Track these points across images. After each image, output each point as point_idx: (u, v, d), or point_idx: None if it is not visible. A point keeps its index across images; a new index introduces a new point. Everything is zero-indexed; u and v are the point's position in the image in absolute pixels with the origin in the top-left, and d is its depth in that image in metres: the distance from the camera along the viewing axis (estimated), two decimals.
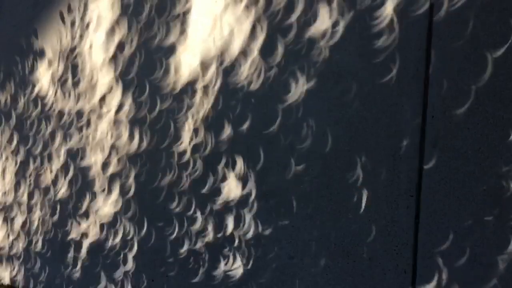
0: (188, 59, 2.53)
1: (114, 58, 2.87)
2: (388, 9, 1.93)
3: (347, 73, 2.03)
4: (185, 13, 2.56)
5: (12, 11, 3.56)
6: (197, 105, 2.49)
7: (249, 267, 2.31)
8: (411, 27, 1.89)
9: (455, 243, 1.78)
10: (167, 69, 2.62)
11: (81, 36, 3.05)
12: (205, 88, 2.46)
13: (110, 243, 2.90)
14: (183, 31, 2.56)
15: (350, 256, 2.03)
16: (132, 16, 2.77)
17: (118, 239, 2.85)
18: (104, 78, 2.92)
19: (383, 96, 1.94)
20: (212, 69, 2.43)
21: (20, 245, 3.50)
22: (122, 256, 2.83)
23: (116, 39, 2.86)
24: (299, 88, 2.16)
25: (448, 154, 1.80)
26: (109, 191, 2.90)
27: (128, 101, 2.79)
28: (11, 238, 3.59)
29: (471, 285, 1.76)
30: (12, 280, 3.56)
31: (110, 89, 2.88)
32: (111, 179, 2.89)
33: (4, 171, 3.64)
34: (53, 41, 3.23)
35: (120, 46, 2.84)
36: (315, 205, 2.12)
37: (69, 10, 3.11)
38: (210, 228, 2.45)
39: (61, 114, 3.18)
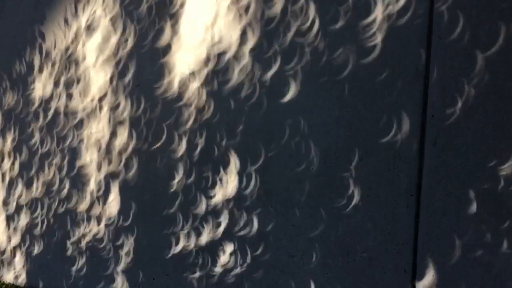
0: (182, 60, 2.54)
1: (110, 59, 2.87)
2: (389, 9, 1.93)
3: (347, 72, 2.03)
4: (179, 16, 2.56)
5: (14, 10, 3.57)
6: (195, 105, 2.50)
7: (249, 265, 2.32)
8: (411, 27, 1.89)
9: (455, 242, 1.79)
10: (163, 70, 2.62)
11: (79, 36, 3.05)
12: (203, 87, 2.47)
13: (110, 242, 2.90)
14: (176, 33, 2.56)
15: (350, 255, 2.03)
16: (128, 19, 2.78)
17: (118, 238, 2.86)
18: (100, 78, 2.92)
19: (383, 96, 1.94)
20: (208, 69, 2.44)
21: (22, 245, 3.51)
22: (122, 255, 2.84)
23: (112, 40, 2.86)
24: (299, 87, 2.16)
25: (448, 153, 1.80)
26: (108, 191, 2.91)
27: (124, 101, 2.80)
28: (13, 238, 3.60)
29: (471, 285, 1.76)
30: (15, 279, 3.57)
31: (106, 89, 2.89)
32: (110, 178, 2.90)
33: (5, 171, 3.65)
34: (53, 40, 3.24)
35: (116, 48, 2.84)
36: (316, 204, 2.12)
37: (71, 10, 3.12)
38: (210, 226, 2.45)
39: (60, 113, 3.19)
